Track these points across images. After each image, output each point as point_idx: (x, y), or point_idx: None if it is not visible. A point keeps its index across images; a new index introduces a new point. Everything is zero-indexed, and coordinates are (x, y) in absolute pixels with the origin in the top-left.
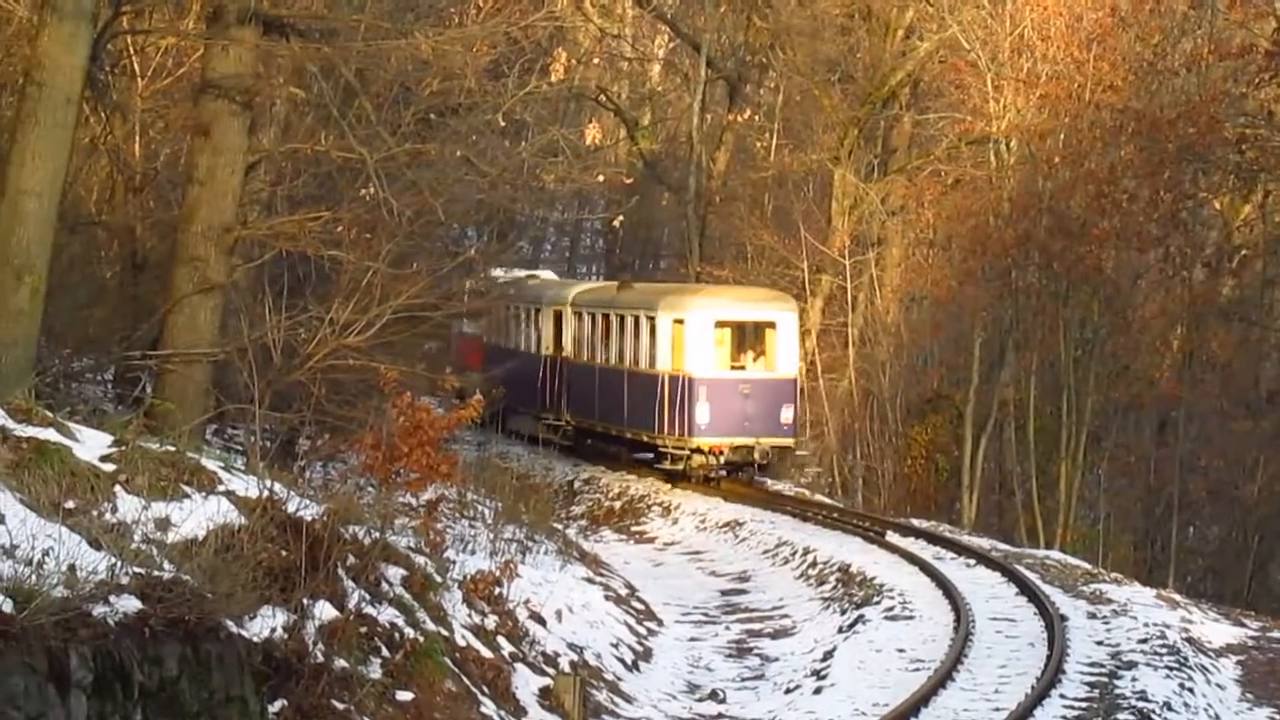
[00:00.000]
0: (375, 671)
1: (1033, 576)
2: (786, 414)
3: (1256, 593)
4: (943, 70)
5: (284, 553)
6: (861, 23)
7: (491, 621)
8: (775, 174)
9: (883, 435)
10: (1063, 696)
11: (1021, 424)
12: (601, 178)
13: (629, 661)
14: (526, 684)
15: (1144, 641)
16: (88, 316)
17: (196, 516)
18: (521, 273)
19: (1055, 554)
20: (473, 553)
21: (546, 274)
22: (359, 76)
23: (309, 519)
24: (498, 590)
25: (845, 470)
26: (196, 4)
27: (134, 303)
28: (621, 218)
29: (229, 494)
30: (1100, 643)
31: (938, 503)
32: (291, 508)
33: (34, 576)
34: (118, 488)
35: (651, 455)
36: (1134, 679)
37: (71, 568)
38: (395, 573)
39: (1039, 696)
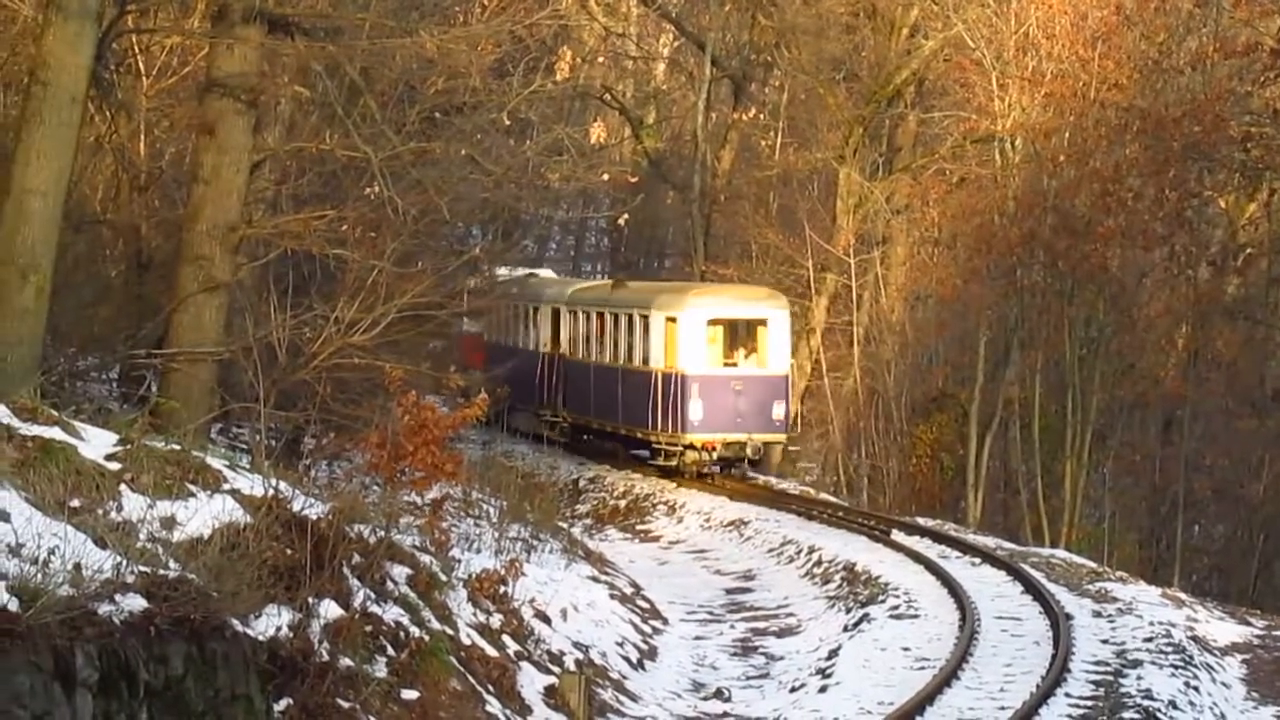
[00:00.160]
0: (380, 670)
1: (1038, 575)
2: (778, 410)
3: (1262, 591)
4: (948, 69)
5: (289, 551)
6: (866, 21)
7: (496, 620)
8: (780, 172)
9: (888, 434)
10: (1068, 695)
11: (1026, 423)
12: (606, 176)
13: (634, 660)
14: (531, 682)
15: (1149, 640)
16: (93, 315)
17: (202, 515)
18: (521, 271)
19: (1060, 553)
20: (478, 551)
21: (546, 272)
22: (364, 75)
23: (314, 518)
24: (503, 589)
25: (850, 469)
26: (201, 3)
27: (139, 301)
28: (626, 216)
29: (234, 493)
30: (1105, 641)
31: (943, 501)
32: (297, 506)
33: (39, 575)
34: (123, 486)
35: (647, 452)
36: (1139, 677)
37: (77, 566)
38: (400, 571)
39: (1044, 695)
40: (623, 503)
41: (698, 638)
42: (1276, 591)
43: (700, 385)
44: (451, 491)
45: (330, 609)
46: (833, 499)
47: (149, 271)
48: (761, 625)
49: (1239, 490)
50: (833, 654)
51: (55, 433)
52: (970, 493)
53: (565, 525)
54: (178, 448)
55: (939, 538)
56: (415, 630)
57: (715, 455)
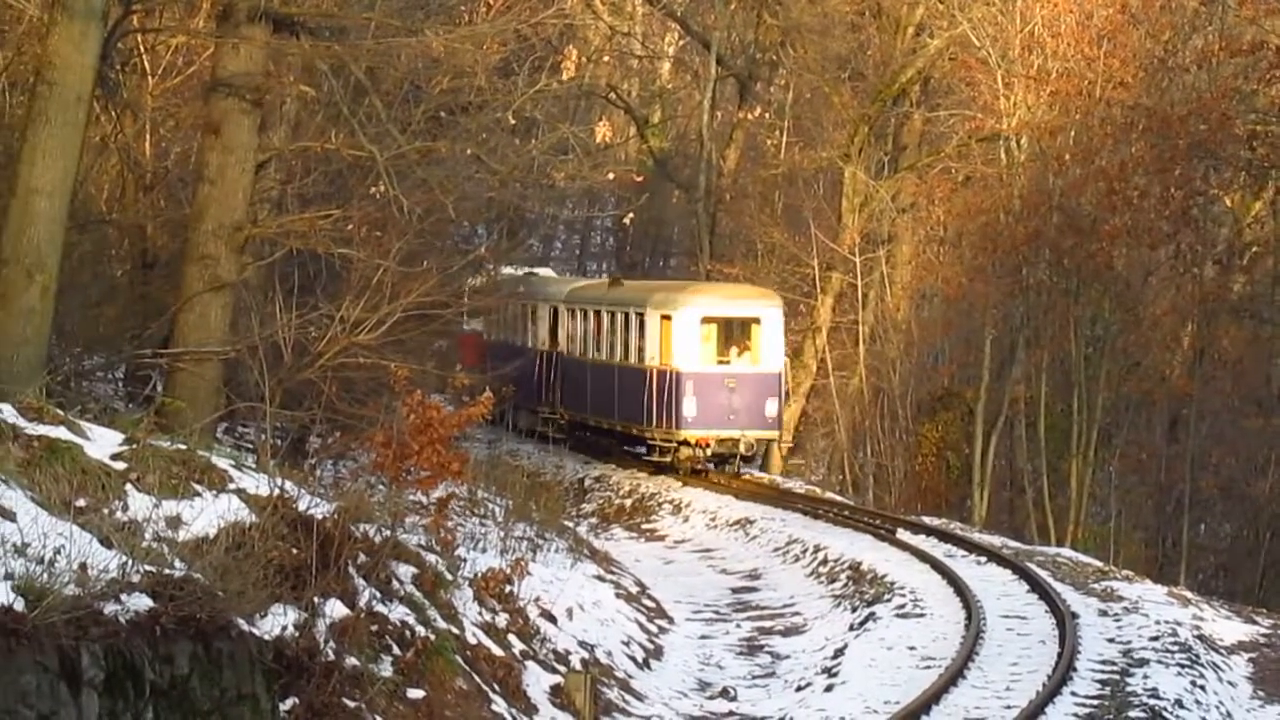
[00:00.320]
0: (386, 669)
1: (1044, 574)
2: (771, 407)
3: (1268, 590)
4: (953, 67)
5: (295, 551)
6: (872, 20)
7: (502, 619)
8: (785, 171)
9: (893, 433)
10: (1074, 694)
11: (1032, 421)
12: (611, 175)
13: (640, 659)
14: (537, 682)
15: (1155, 639)
16: (98, 315)
17: (207, 515)
18: (520, 270)
19: (1066, 551)
20: (483, 550)
21: (545, 271)
22: (369, 74)
23: (320, 517)
24: (508, 588)
25: (856, 468)
26: (207, 2)
27: (145, 301)
28: (631, 215)
29: (240, 492)
30: (1112, 640)
31: (948, 500)
32: (302, 506)
33: (45, 575)
34: (129, 486)
35: (643, 449)
36: (1145, 676)
37: (83, 566)
38: (406, 571)
39: (1050, 694)
40: (628, 502)
41: (703, 637)
42: None
43: (694, 382)
44: (457, 490)
45: (336, 608)
46: (838, 498)
47: (154, 271)
48: (767, 624)
49: (1245, 489)
50: (839, 653)
51: (61, 432)
52: (976, 491)
53: (571, 524)
54: (183, 447)
55: (945, 536)
56: (421, 629)
57: (709, 451)
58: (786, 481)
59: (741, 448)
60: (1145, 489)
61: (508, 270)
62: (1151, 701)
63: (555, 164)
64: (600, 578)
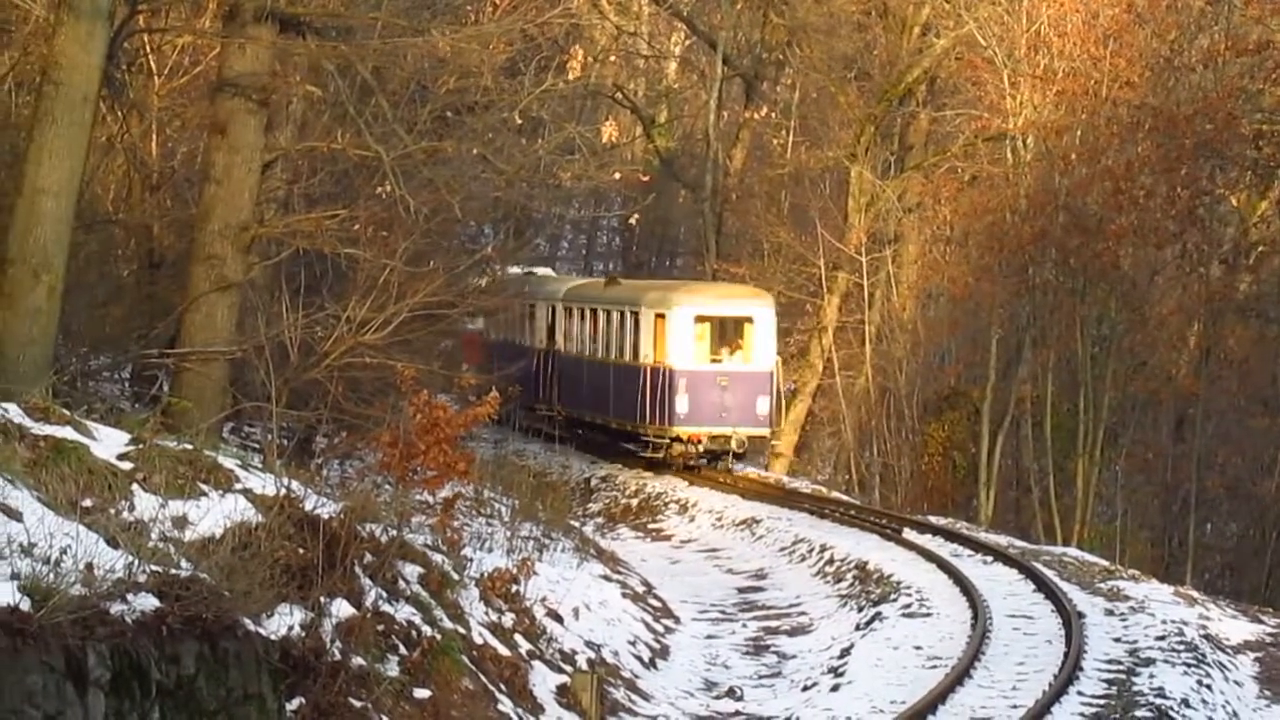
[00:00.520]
0: (392, 669)
1: (1050, 574)
2: (763, 405)
3: (1274, 589)
4: (959, 67)
5: (301, 551)
6: (878, 20)
7: (509, 619)
8: (792, 171)
9: (899, 432)
10: (1080, 694)
11: (1039, 421)
12: (618, 175)
13: (646, 659)
14: (544, 681)
15: (1162, 638)
16: (105, 315)
17: (214, 514)
18: (519, 269)
19: (1072, 551)
20: (490, 550)
21: (544, 271)
22: (376, 74)
23: (326, 517)
24: (515, 588)
25: (862, 467)
26: (213, 2)
27: (151, 301)
28: (638, 215)
29: (246, 492)
30: (1118, 640)
31: (955, 500)
32: (309, 506)
33: (52, 575)
34: (135, 486)
35: (638, 445)
36: (1152, 676)
37: (89, 566)
38: (412, 570)
39: (1057, 694)
40: (634, 501)
41: (710, 637)
42: None
43: (687, 380)
44: (463, 490)
45: (342, 608)
46: (844, 497)
47: (161, 271)
48: (773, 624)
49: (1251, 488)
50: (845, 653)
51: (67, 432)
52: (982, 491)
53: (577, 524)
54: (190, 447)
55: (951, 536)
56: (427, 629)
57: (701, 448)
58: (793, 481)
59: (733, 445)
60: (1151, 488)
61: (511, 270)
62: (1158, 701)
63: (561, 164)
64: (606, 577)
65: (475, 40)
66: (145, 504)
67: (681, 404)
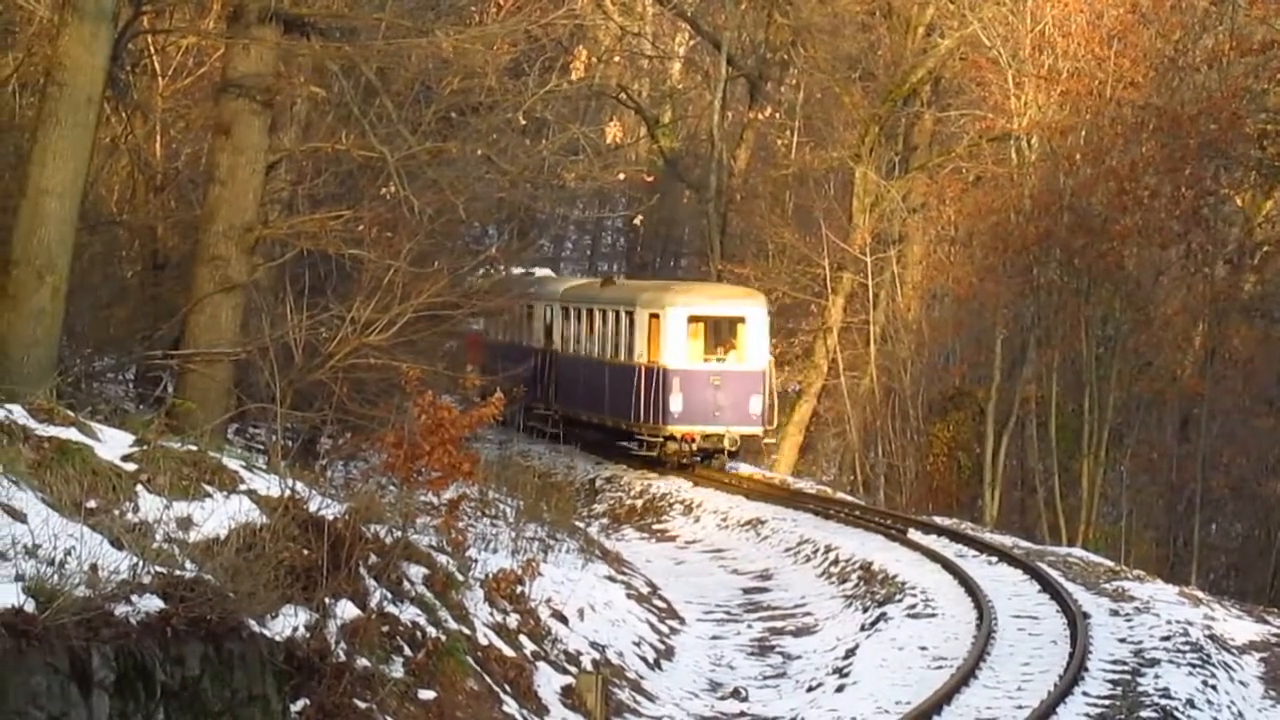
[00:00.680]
0: (397, 670)
1: (1055, 574)
2: (755, 404)
3: (1279, 590)
4: (964, 67)
5: (306, 552)
6: (882, 20)
7: (513, 620)
8: (796, 171)
9: (904, 433)
10: (1085, 694)
11: (1043, 421)
12: (622, 176)
13: (651, 660)
14: (549, 682)
15: (1167, 639)
16: (109, 316)
17: (218, 516)
18: (518, 270)
19: (1077, 551)
20: (495, 551)
21: (542, 271)
22: (380, 75)
23: (331, 518)
24: (520, 589)
25: (867, 468)
26: (217, 3)
27: (155, 302)
28: (642, 216)
29: (251, 493)
30: (1123, 640)
31: (959, 500)
32: (313, 507)
33: (56, 576)
34: (139, 487)
35: (634, 444)
36: (1157, 676)
37: (93, 567)
38: (417, 571)
39: (1062, 694)
40: (639, 502)
41: (715, 637)
42: None
43: (681, 379)
44: (468, 491)
45: (347, 609)
46: (849, 498)
47: (165, 272)
48: (779, 625)
49: (1256, 488)
50: (850, 653)
51: (72, 433)
52: (987, 491)
53: (582, 525)
54: (194, 448)
55: (956, 536)
56: (432, 630)
57: (695, 446)
58: (797, 481)
59: (726, 443)
60: (1156, 489)
61: (511, 271)
62: (1163, 701)
63: (566, 164)
64: (611, 578)
65: (479, 41)
66: (150, 505)
67: (675, 403)
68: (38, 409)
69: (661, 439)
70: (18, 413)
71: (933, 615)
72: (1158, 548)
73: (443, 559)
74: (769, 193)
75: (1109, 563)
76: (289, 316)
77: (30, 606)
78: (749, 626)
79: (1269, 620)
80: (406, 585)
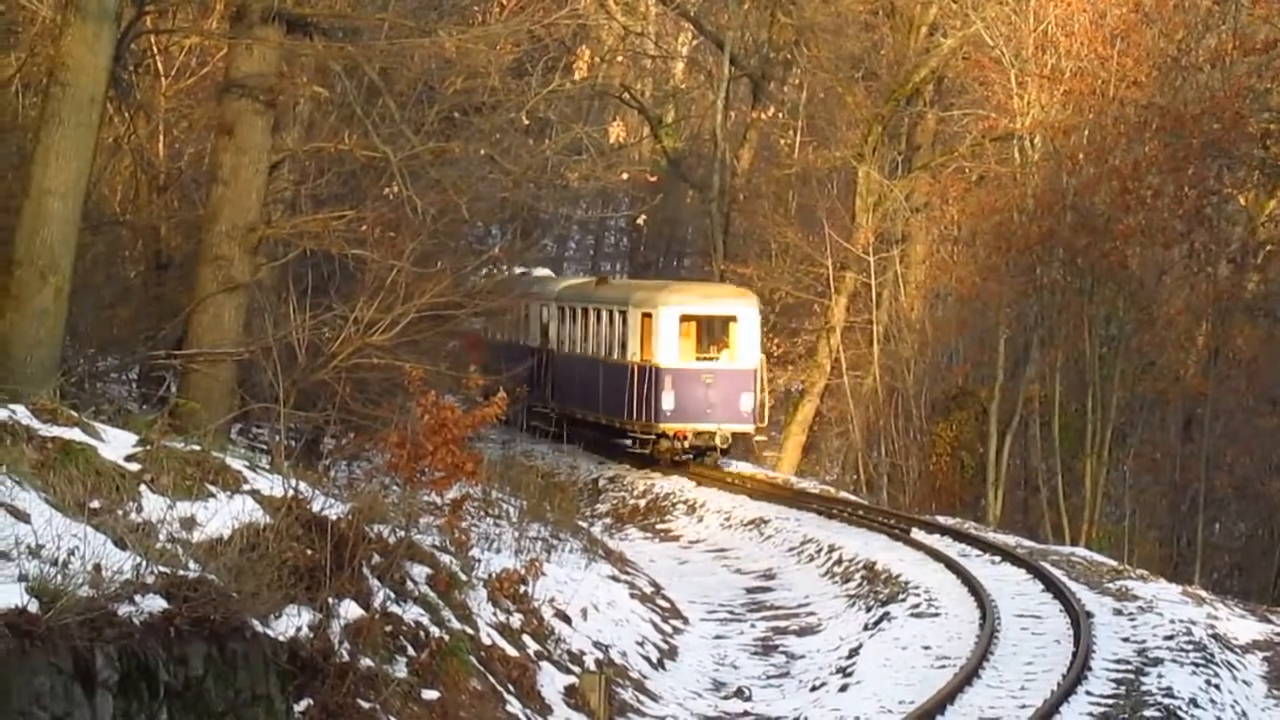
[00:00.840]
0: (401, 670)
1: (1058, 573)
2: (747, 402)
3: None
4: (966, 67)
5: (309, 552)
6: (885, 19)
7: (517, 620)
8: (799, 171)
9: (907, 432)
10: (1089, 693)
11: (1046, 420)
12: (625, 175)
13: (654, 659)
14: (552, 682)
15: (1170, 638)
16: (112, 316)
17: (222, 516)
18: (516, 270)
19: (1081, 551)
20: (498, 551)
21: (540, 271)
22: (383, 75)
23: (334, 518)
24: (523, 588)
25: (870, 467)
26: (220, 3)
27: (158, 302)
28: (645, 216)
29: (254, 493)
30: (1126, 639)
31: (963, 500)
32: (316, 507)
33: (59, 576)
34: (143, 487)
35: (629, 441)
36: (1160, 675)
37: (97, 567)
38: (420, 571)
39: (1065, 693)
40: (642, 502)
41: (718, 637)
42: None
43: (673, 377)
44: (471, 491)
45: (350, 609)
46: (852, 497)
47: (168, 272)
48: (782, 624)
49: (1259, 488)
50: (853, 653)
51: (75, 434)
52: (990, 491)
53: (585, 524)
54: (197, 448)
55: (959, 536)
56: (435, 630)
57: (687, 444)
58: (800, 481)
59: (718, 440)
60: (1160, 488)
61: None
62: (1166, 701)
63: (569, 164)
64: (615, 578)
65: (482, 41)
66: (153, 505)
67: (667, 401)
68: (41, 409)
69: (654, 436)
70: (21, 413)
71: (936, 615)
72: (1161, 547)
73: (446, 559)
74: (772, 192)
75: (1112, 562)
76: (292, 316)
77: (34, 606)
78: (752, 626)
79: (1272, 620)
80: (410, 585)
